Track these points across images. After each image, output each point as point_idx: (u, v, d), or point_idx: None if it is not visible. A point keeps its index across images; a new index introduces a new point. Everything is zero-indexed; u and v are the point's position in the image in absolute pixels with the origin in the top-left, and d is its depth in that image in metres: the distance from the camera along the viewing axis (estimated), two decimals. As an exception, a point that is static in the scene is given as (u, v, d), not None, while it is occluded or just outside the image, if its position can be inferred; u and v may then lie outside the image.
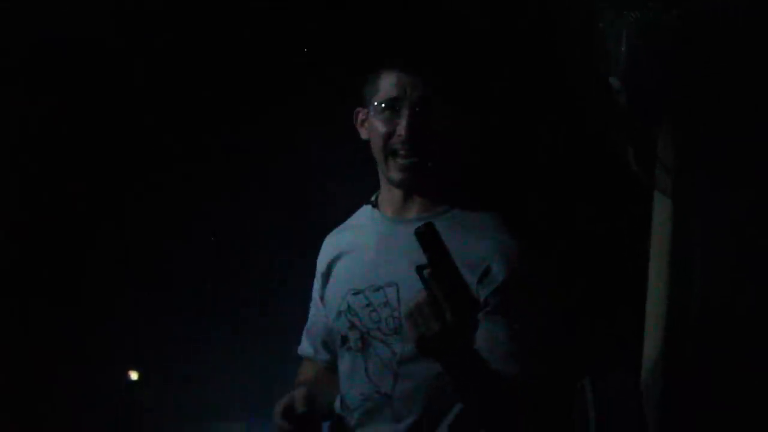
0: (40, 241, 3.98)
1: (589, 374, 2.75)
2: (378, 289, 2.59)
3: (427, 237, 2.35)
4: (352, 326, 2.64)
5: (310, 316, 2.88)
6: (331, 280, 2.76)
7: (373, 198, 2.74)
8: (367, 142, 2.68)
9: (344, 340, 2.68)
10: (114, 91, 3.91)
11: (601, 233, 3.06)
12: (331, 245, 2.80)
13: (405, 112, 2.54)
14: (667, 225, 2.96)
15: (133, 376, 3.82)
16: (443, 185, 2.64)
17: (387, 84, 2.57)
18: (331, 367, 2.79)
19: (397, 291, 2.56)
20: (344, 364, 2.69)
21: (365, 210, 2.76)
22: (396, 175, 2.59)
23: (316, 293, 2.84)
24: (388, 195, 2.67)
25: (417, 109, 2.54)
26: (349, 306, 2.65)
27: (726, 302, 2.91)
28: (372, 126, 2.62)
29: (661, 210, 2.98)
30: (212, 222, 3.97)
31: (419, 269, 2.36)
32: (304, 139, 3.81)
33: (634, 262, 3.05)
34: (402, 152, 2.56)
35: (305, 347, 2.89)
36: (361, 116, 2.68)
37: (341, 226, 2.83)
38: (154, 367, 3.96)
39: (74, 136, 3.96)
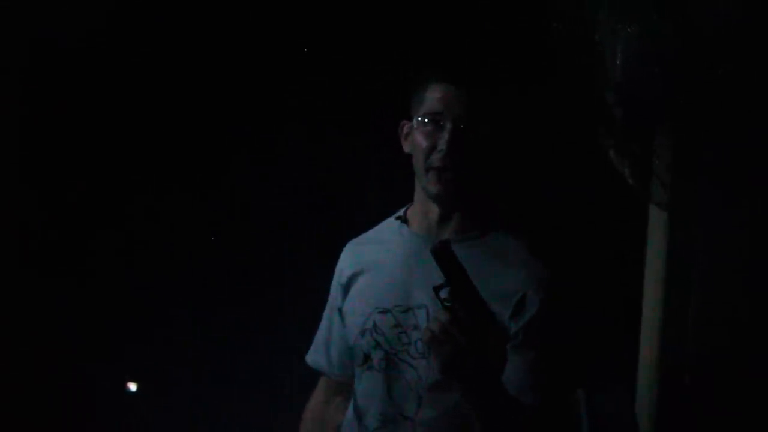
0: (37, 245, 3.99)
1: (584, 386, 2.73)
2: (407, 310, 2.53)
3: (444, 255, 2.33)
4: (377, 345, 2.57)
5: (323, 326, 2.78)
6: (352, 295, 2.68)
7: (401, 212, 2.67)
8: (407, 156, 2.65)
9: (366, 358, 2.60)
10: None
11: (596, 247, 3.06)
12: (352, 257, 2.71)
13: (448, 127, 2.48)
14: (662, 239, 2.96)
15: (132, 387, 3.81)
16: (480, 208, 2.57)
17: (432, 98, 2.51)
18: (344, 386, 2.73)
19: (427, 314, 2.50)
20: (364, 383, 2.63)
21: (391, 224, 2.68)
22: (434, 187, 2.51)
23: (335, 303, 2.73)
24: (423, 211, 2.60)
25: (460, 124, 2.49)
26: (375, 324, 2.57)
27: (722, 316, 2.91)
28: (414, 139, 2.56)
29: (657, 223, 2.98)
30: (209, 232, 3.98)
31: (436, 289, 2.34)
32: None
33: (630, 275, 3.04)
34: (442, 166, 2.49)
35: (318, 359, 2.78)
36: (405, 129, 2.62)
37: (362, 238, 2.73)
38: (152, 379, 3.95)
39: (77, 138, 3.97)
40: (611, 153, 2.91)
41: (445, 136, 2.48)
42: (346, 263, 2.72)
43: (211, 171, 3.92)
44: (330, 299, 2.75)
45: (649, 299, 2.96)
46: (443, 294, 2.34)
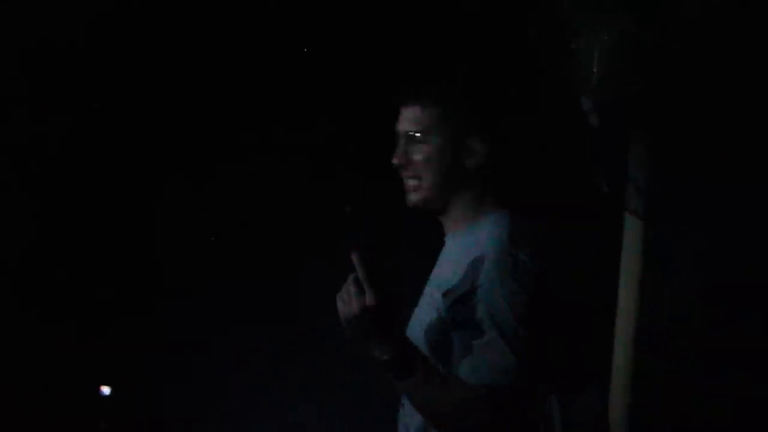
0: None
1: (556, 393, 2.73)
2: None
3: (353, 220, 2.47)
4: None
5: None
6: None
7: None
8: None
9: None
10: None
11: (571, 252, 3.08)
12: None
13: (401, 142, 2.66)
14: (637, 245, 2.98)
15: (105, 390, 3.78)
16: (467, 206, 2.66)
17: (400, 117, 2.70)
18: None
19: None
20: None
21: None
22: (407, 195, 2.68)
23: None
24: None
25: (406, 140, 2.64)
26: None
27: (695, 322, 2.93)
28: None
29: (632, 230, 3.00)
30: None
31: (352, 254, 2.42)
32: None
33: (605, 281, 3.06)
34: (404, 176, 2.66)
35: None
36: None
37: None
38: (129, 381, 3.93)
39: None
40: (587, 160, 2.93)
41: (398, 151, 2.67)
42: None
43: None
44: None
45: (623, 303, 2.98)
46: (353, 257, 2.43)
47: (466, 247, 2.62)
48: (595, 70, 2.85)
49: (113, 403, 3.78)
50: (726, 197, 2.89)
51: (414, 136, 2.64)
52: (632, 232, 2.99)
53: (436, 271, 2.68)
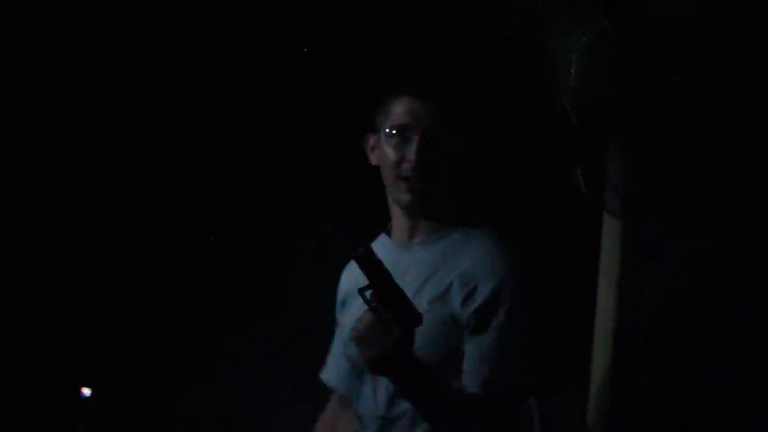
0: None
1: (536, 393, 2.74)
2: None
3: (365, 259, 2.42)
4: None
5: (333, 344, 2.93)
6: (345, 310, 2.83)
7: (388, 226, 2.80)
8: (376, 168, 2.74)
9: (355, 363, 2.72)
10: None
11: (550, 252, 3.09)
12: (347, 275, 2.87)
13: (415, 138, 2.60)
14: (615, 246, 2.98)
15: (86, 391, 3.77)
16: (448, 208, 2.69)
17: (398, 111, 2.64)
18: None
19: None
20: (354, 385, 2.76)
21: (380, 238, 2.81)
22: (405, 197, 2.64)
23: (337, 320, 2.90)
24: (396, 221, 2.73)
25: (427, 136, 2.60)
26: None
27: (674, 322, 2.93)
28: (382, 151, 2.67)
29: (610, 231, 2.99)
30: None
31: (361, 291, 2.41)
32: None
33: (583, 282, 3.06)
34: (411, 176, 2.61)
35: (328, 375, 2.93)
36: (371, 142, 2.73)
37: None
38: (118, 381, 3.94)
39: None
40: (566, 161, 2.93)
41: (413, 147, 2.60)
42: (342, 281, 2.90)
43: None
44: (335, 318, 2.92)
45: (602, 303, 2.99)
46: (368, 296, 2.43)
47: (444, 254, 2.62)
48: (572, 71, 2.85)
49: (94, 404, 3.78)
50: (705, 197, 2.89)
51: (435, 134, 2.62)
52: (610, 232, 2.99)
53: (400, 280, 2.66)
